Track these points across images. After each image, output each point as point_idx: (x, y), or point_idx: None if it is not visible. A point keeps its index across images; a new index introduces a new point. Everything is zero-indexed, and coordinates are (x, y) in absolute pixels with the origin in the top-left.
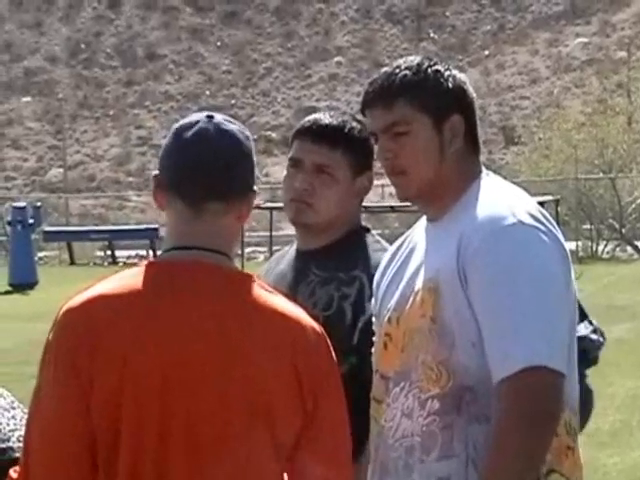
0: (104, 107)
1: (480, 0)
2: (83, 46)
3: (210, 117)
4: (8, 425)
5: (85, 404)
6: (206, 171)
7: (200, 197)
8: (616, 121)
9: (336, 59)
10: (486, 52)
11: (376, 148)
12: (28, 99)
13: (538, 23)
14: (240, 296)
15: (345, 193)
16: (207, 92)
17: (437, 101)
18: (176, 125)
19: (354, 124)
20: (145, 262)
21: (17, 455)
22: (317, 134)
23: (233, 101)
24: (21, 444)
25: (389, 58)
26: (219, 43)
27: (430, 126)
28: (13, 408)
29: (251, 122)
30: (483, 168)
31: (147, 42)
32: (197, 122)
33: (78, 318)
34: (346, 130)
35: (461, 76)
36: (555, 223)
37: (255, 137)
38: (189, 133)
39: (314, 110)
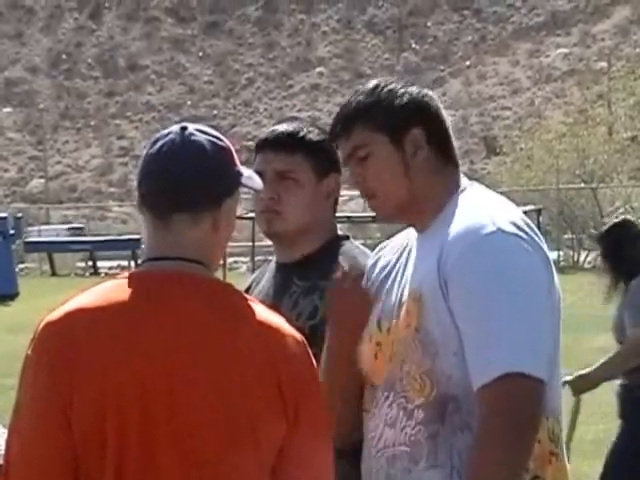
0: (85, 117)
1: (461, 11)
2: (64, 57)
3: (184, 128)
4: None
5: (65, 419)
6: (171, 183)
7: (166, 209)
8: (597, 131)
9: (318, 69)
10: (467, 62)
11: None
12: (9, 109)
13: (519, 34)
14: (219, 305)
15: (312, 196)
16: (189, 102)
17: (391, 119)
18: (154, 137)
19: (311, 128)
20: (123, 274)
21: None
22: (274, 143)
23: (215, 111)
24: None
25: (371, 68)
26: (201, 53)
27: (388, 144)
28: None
29: (233, 132)
30: (465, 179)
31: (128, 53)
32: (169, 134)
33: (57, 332)
34: (302, 134)
35: (420, 91)
36: (538, 231)
37: (237, 147)
38: (157, 145)
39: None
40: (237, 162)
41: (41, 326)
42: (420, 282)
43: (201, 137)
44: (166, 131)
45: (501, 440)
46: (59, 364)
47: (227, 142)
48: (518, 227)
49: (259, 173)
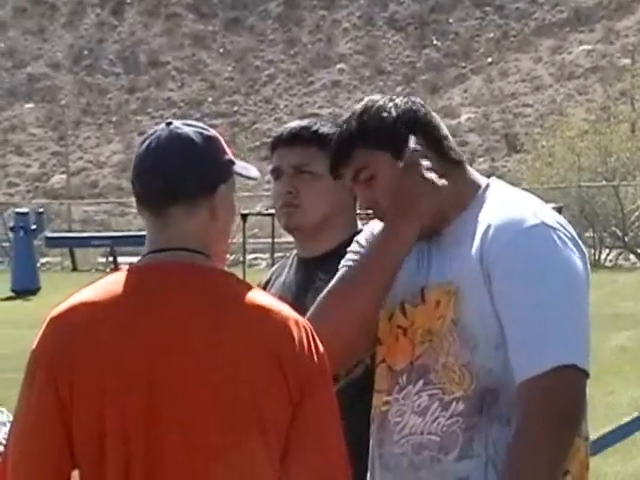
0: (107, 113)
1: (483, 7)
2: (86, 52)
3: (169, 124)
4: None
5: (61, 417)
6: (161, 177)
7: (161, 204)
8: (619, 129)
9: (338, 66)
10: (489, 59)
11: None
12: (31, 105)
13: (541, 30)
14: (219, 293)
15: (330, 188)
16: (209, 99)
17: (388, 134)
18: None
19: (323, 122)
20: (125, 267)
21: None
22: (289, 138)
23: (235, 108)
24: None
25: (392, 65)
26: (222, 50)
27: (390, 160)
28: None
29: (253, 129)
30: (482, 177)
31: (150, 49)
32: (155, 131)
33: (58, 328)
34: (315, 127)
35: (407, 100)
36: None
37: (257, 144)
38: (145, 144)
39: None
40: (227, 151)
41: (46, 321)
42: (455, 275)
43: (186, 129)
44: (153, 129)
45: (548, 433)
46: (59, 360)
47: (214, 132)
48: (558, 222)
49: (276, 169)
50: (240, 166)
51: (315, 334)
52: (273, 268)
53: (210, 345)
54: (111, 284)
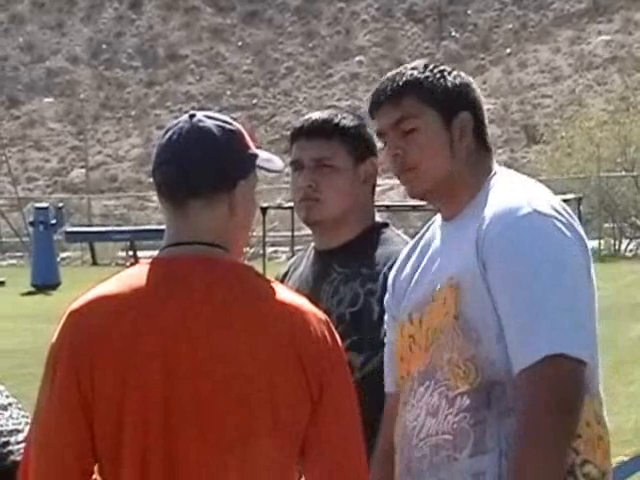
0: (125, 108)
1: None
2: (104, 46)
3: (192, 116)
4: (7, 425)
5: (84, 409)
6: (183, 170)
7: (180, 196)
8: (639, 119)
9: (357, 58)
10: (508, 50)
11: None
12: (50, 100)
13: (560, 21)
14: (238, 286)
15: (350, 182)
16: (228, 92)
17: (445, 97)
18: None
19: (345, 114)
20: (144, 261)
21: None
22: (310, 131)
23: (254, 101)
24: (20, 444)
25: (410, 57)
26: (240, 43)
27: (439, 121)
28: (10, 405)
29: (272, 122)
30: (496, 165)
31: (168, 42)
32: (178, 123)
33: (78, 321)
34: (337, 120)
35: (466, 76)
36: (576, 218)
37: (277, 136)
38: (168, 135)
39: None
40: (250, 144)
41: (65, 315)
42: (456, 269)
43: (209, 122)
44: (176, 121)
45: (544, 423)
46: (79, 353)
47: (237, 125)
48: (554, 209)
49: (296, 162)
50: (263, 159)
51: (333, 327)
52: (291, 260)
53: (229, 339)
54: (130, 277)
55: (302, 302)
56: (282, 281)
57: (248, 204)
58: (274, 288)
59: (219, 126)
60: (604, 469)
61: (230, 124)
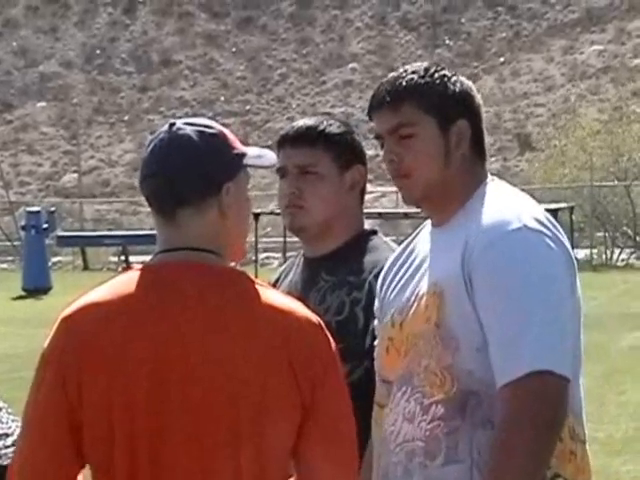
0: (119, 112)
1: (495, 7)
2: (98, 51)
3: (172, 125)
4: None
5: (69, 416)
6: (166, 181)
7: (168, 206)
8: (631, 129)
9: (351, 65)
10: (501, 59)
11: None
12: (43, 104)
13: (553, 30)
14: (229, 290)
15: (335, 189)
16: (222, 98)
17: (443, 104)
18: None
19: (331, 122)
20: (136, 267)
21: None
22: (294, 138)
23: (248, 107)
24: (8, 449)
25: (404, 65)
26: (234, 49)
27: (436, 129)
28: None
29: (266, 128)
30: (489, 174)
31: (162, 48)
32: (159, 134)
33: (67, 328)
34: (322, 127)
35: (468, 83)
36: (561, 229)
37: (269, 143)
38: (150, 148)
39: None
40: (235, 145)
41: (57, 322)
42: (441, 276)
43: (188, 129)
44: (157, 132)
45: (526, 438)
46: (68, 359)
47: (219, 128)
48: (542, 224)
49: (281, 169)
50: (252, 156)
51: (326, 330)
52: (282, 267)
53: (221, 343)
54: (121, 284)
55: (295, 305)
56: (274, 287)
57: (240, 205)
58: (267, 292)
59: (199, 131)
60: None
61: (211, 127)
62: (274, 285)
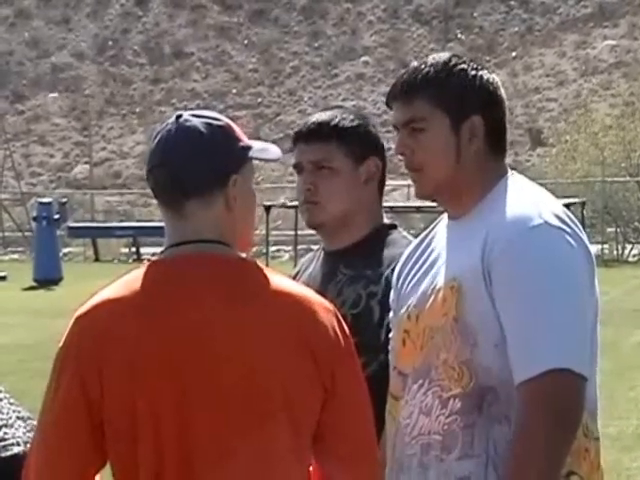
0: (130, 104)
1: (508, 1)
2: (110, 43)
3: (179, 117)
4: None
5: (88, 413)
6: (173, 172)
7: (174, 198)
8: None
9: (363, 59)
10: (513, 53)
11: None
12: (55, 95)
13: (566, 25)
14: (244, 282)
15: (350, 183)
16: (234, 90)
17: (457, 100)
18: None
19: (345, 115)
20: (146, 262)
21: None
22: (308, 134)
23: (259, 99)
24: (7, 441)
25: (416, 58)
26: (246, 41)
27: (447, 125)
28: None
29: (277, 121)
30: (508, 169)
31: (174, 40)
32: (166, 125)
33: (84, 326)
34: (335, 122)
35: (490, 77)
36: (580, 225)
37: (281, 135)
38: (157, 139)
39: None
40: (241, 137)
41: (73, 320)
42: (460, 271)
43: (195, 121)
44: (164, 124)
45: (544, 435)
46: (87, 358)
47: (225, 120)
48: (562, 221)
49: (296, 165)
50: (257, 150)
51: (340, 317)
52: (303, 259)
53: (236, 332)
54: (134, 280)
55: (308, 293)
56: (293, 280)
57: (245, 197)
58: (279, 280)
59: (206, 123)
60: None
61: (218, 119)
62: (294, 278)
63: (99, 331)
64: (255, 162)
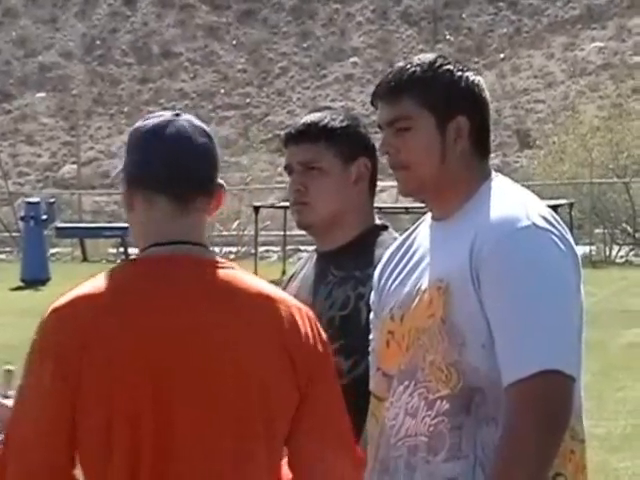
0: (118, 104)
1: (497, 3)
2: (98, 42)
3: (177, 115)
4: None
5: (69, 406)
6: (193, 167)
7: (188, 193)
8: (631, 126)
9: (352, 59)
10: (502, 55)
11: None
12: (42, 95)
13: (554, 27)
14: (225, 283)
15: (339, 184)
16: (222, 90)
17: (443, 100)
18: (143, 124)
19: (334, 116)
20: (130, 259)
21: None
22: (297, 135)
23: (248, 100)
24: None
25: (405, 59)
26: (235, 42)
27: (433, 124)
28: None
29: (266, 121)
30: (492, 170)
31: (163, 39)
32: (171, 120)
33: (63, 319)
34: (324, 123)
35: (475, 78)
36: (566, 227)
37: (270, 136)
38: (167, 130)
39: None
40: None
41: (48, 312)
42: (446, 271)
43: (198, 122)
44: (160, 117)
45: (534, 436)
46: (66, 352)
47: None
48: (549, 222)
49: (287, 167)
50: None
51: (317, 321)
52: (300, 261)
53: (218, 333)
54: (114, 277)
55: (285, 296)
56: (289, 281)
57: (218, 206)
58: (258, 283)
59: (203, 128)
60: None
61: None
62: (290, 279)
63: (79, 326)
64: (244, 163)
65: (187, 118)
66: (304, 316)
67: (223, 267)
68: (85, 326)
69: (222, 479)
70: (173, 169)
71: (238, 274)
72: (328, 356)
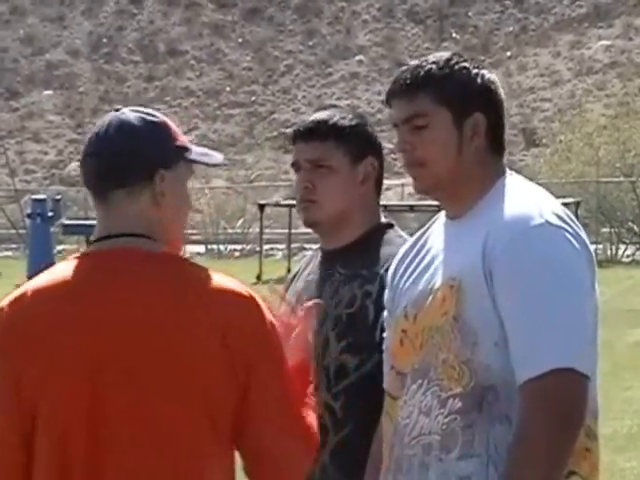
0: (125, 102)
1: (503, 1)
2: (105, 40)
3: (117, 109)
4: None
5: (11, 401)
6: (102, 161)
7: (102, 187)
8: (638, 124)
9: (357, 58)
10: (508, 53)
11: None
12: (49, 92)
13: (561, 25)
14: (165, 276)
15: (347, 182)
16: (227, 88)
17: (460, 97)
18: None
19: (343, 114)
20: (74, 255)
21: None
22: (306, 133)
23: (253, 98)
24: None
25: (410, 57)
26: (240, 40)
27: (450, 121)
28: None
29: (271, 119)
30: (507, 168)
31: (169, 38)
32: (106, 117)
33: (4, 317)
34: (333, 121)
35: (490, 76)
36: (579, 225)
37: (275, 134)
38: (94, 130)
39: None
40: (177, 137)
41: None
42: (459, 269)
43: (131, 115)
44: (106, 116)
45: (546, 435)
46: (4, 348)
47: (162, 118)
48: (563, 220)
49: (294, 164)
50: (197, 153)
51: (265, 307)
52: (303, 260)
53: (156, 328)
54: (58, 272)
55: (232, 287)
56: (292, 280)
57: (176, 196)
58: (205, 274)
59: (140, 118)
60: None
61: (154, 116)
62: (293, 278)
63: (18, 322)
64: (249, 161)
65: (120, 112)
66: (249, 307)
67: (166, 258)
68: (23, 323)
69: (161, 472)
70: (85, 166)
71: (182, 265)
72: (271, 343)
